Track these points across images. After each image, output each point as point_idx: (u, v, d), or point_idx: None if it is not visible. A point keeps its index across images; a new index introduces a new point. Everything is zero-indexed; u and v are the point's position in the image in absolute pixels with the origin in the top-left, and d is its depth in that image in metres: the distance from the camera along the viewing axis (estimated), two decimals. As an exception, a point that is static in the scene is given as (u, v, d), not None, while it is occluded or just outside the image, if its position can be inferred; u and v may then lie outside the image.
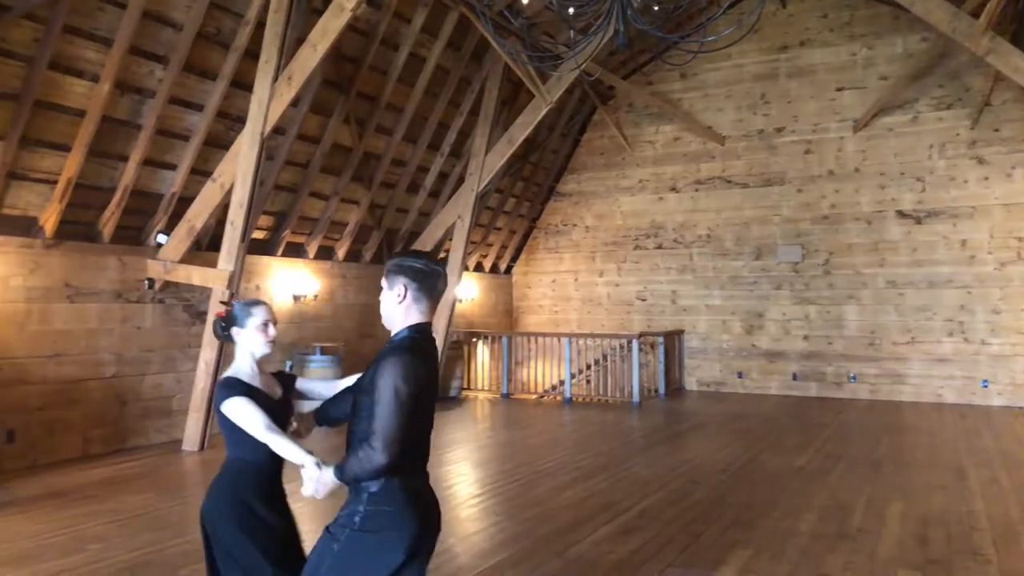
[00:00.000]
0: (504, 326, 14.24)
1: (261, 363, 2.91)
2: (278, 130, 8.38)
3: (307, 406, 2.98)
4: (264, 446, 2.71)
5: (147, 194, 7.97)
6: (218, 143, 8.19)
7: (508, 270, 14.67)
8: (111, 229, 7.72)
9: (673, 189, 13.20)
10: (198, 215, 7.97)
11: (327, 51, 7.39)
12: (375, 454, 2.37)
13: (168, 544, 4.77)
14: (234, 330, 2.90)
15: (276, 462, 2.82)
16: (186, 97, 7.77)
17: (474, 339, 12.83)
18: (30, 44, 6.41)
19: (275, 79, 7.48)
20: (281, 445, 2.66)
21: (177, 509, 5.57)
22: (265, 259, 9.57)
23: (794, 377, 12.11)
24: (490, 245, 13.87)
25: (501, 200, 13.18)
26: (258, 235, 9.39)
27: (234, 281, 7.72)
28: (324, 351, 9.67)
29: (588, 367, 12.52)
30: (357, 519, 2.44)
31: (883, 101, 11.48)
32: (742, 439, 8.43)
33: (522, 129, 10.63)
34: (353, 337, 10.71)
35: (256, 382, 2.84)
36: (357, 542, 2.43)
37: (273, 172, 8.95)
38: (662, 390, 11.95)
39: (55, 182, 7.07)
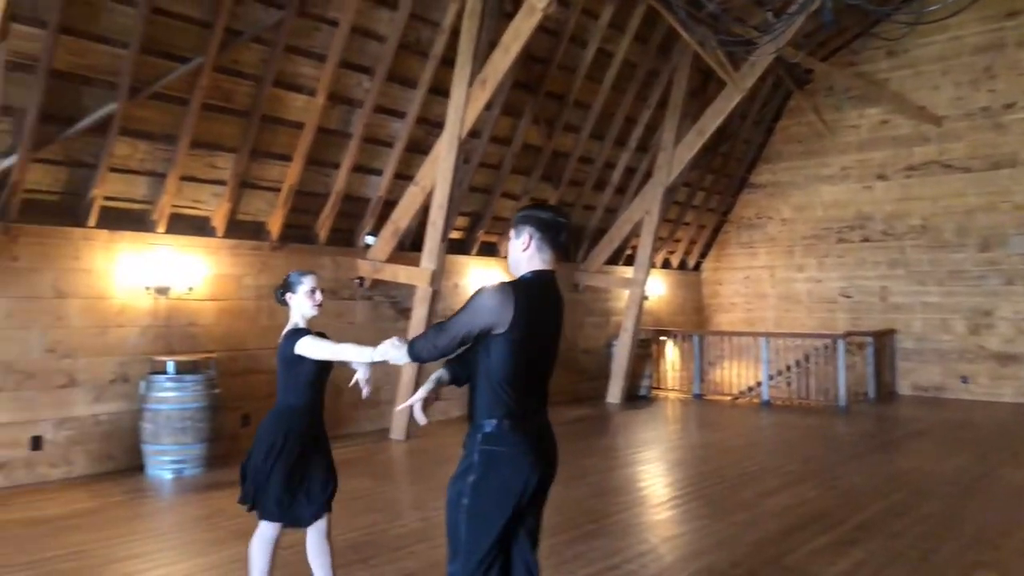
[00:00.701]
0: (693, 324, 13.82)
1: (310, 325, 3.50)
2: (473, 133, 8.64)
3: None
4: (308, 393, 3.41)
5: (356, 199, 8.53)
6: (418, 148, 8.59)
7: (697, 266, 14.24)
8: (326, 232, 8.35)
9: (881, 177, 12.17)
10: (402, 217, 8.42)
11: (519, 53, 7.51)
12: (434, 337, 2.62)
13: (387, 525, 5.06)
14: (288, 295, 3.52)
15: (315, 408, 3.47)
16: (390, 105, 8.23)
17: (662, 338, 12.56)
18: (258, 64, 7.07)
19: (470, 83, 7.72)
20: (348, 351, 3.22)
21: (391, 494, 5.92)
22: (462, 258, 9.93)
23: (1031, 383, 10.74)
24: (678, 241, 13.53)
25: (690, 194, 12.81)
26: (455, 235, 9.75)
27: (436, 279, 8.07)
28: (516, 347, 9.86)
29: (788, 368, 11.83)
30: (476, 457, 2.57)
31: None
32: (972, 450, 7.57)
33: (713, 119, 10.25)
34: (543, 334, 10.82)
35: None
36: (481, 490, 2.54)
37: (468, 174, 9.26)
38: (871, 394, 11.05)
39: (279, 189, 7.75)
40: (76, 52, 6.09)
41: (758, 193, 13.54)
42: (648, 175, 11.34)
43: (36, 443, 6.34)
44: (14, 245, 6.26)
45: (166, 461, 6.54)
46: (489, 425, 2.57)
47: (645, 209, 11.01)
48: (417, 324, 8.19)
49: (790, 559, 4.38)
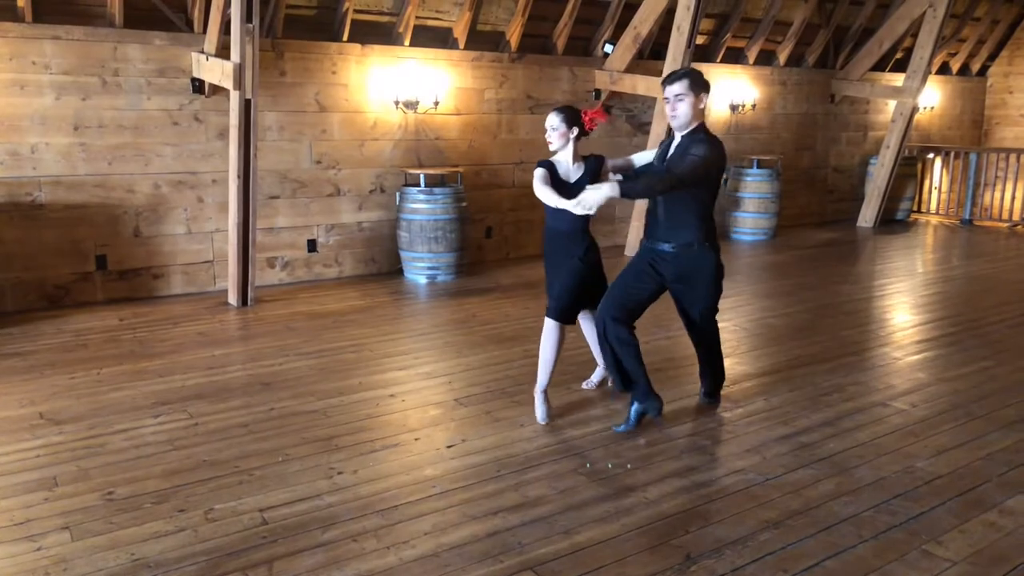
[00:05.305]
0: (969, 140, 12.04)
1: (578, 149, 3.75)
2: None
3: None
4: (556, 214, 3.65)
5: (595, 3, 8.00)
6: (664, -60, 7.75)
7: (983, 71, 12.13)
8: (563, 41, 8.00)
9: None
10: (643, 21, 7.81)
11: None
12: (665, 178, 3.43)
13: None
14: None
15: (573, 227, 3.72)
16: None
17: (930, 155, 11.10)
18: None
19: None
20: (546, 196, 3.49)
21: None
22: (703, 66, 9.12)
23: None
24: (962, 41, 11.50)
25: (985, -19, 10.66)
26: (698, 40, 8.95)
27: (679, 90, 7.52)
28: (761, 164, 9.20)
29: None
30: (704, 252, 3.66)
31: None
32: None
33: None
34: (790, 149, 9.96)
35: (560, 167, 3.72)
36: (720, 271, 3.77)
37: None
38: None
39: (518, -4, 7.44)
40: None
41: (1079, -24, 10.96)
42: (936, -41, 9.50)
43: (312, 246, 7.05)
44: (281, 61, 6.63)
45: (421, 267, 7.02)
46: (697, 244, 3.60)
47: (928, 2, 9.33)
48: (655, 139, 7.81)
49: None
